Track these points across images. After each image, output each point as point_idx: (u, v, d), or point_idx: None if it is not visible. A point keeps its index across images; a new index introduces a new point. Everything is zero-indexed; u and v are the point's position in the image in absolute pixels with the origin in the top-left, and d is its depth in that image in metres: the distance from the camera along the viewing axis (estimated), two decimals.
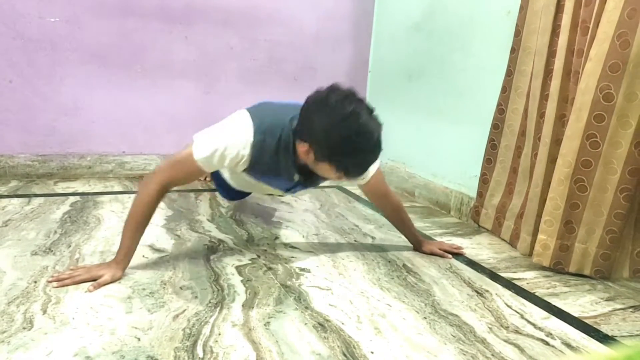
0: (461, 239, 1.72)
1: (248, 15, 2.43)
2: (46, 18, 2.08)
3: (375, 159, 1.10)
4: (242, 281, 1.23)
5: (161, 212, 1.77)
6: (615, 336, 1.07)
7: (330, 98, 1.03)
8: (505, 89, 1.67)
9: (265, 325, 1.02)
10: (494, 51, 1.83)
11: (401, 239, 1.58)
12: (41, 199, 1.84)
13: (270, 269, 1.32)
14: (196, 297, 1.12)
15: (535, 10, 1.54)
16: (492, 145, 1.75)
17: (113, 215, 1.69)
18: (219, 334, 0.96)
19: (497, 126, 1.72)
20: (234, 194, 1.66)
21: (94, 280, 1.13)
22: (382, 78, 2.68)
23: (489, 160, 1.77)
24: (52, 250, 1.33)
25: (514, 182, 1.69)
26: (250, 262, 1.36)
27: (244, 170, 1.25)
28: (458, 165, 2.05)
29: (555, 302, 1.23)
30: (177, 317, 1.02)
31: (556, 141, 1.48)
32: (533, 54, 1.56)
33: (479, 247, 1.64)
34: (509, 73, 1.66)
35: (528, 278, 1.39)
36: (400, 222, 1.52)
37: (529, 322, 1.11)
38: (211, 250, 1.43)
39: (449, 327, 1.06)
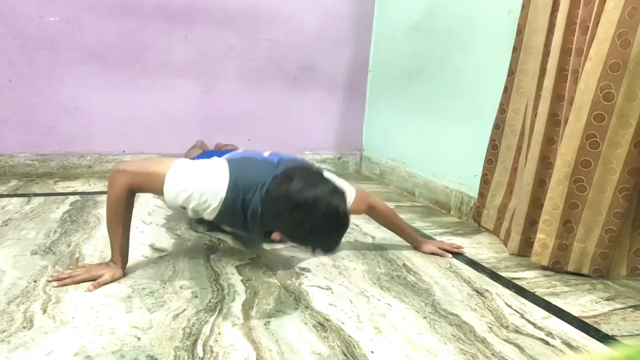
0: (461, 239, 1.72)
1: (248, 15, 2.43)
2: (46, 17, 2.08)
3: (344, 232, 1.08)
4: (242, 280, 1.23)
5: (161, 212, 1.77)
6: (615, 336, 1.07)
7: (290, 192, 1.01)
8: (507, 89, 1.67)
9: (265, 324, 1.02)
10: (494, 51, 1.83)
11: (401, 239, 1.58)
12: (41, 199, 1.84)
13: (270, 268, 1.32)
14: (196, 296, 1.12)
15: (537, 9, 1.54)
16: (493, 146, 1.75)
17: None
18: (219, 334, 0.96)
19: (498, 126, 1.72)
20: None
21: (94, 279, 1.13)
22: (382, 78, 2.68)
23: (490, 160, 1.77)
24: (52, 250, 1.33)
25: (515, 182, 1.69)
26: (250, 261, 1.36)
27: (212, 219, 1.20)
28: (458, 164, 2.05)
29: (555, 301, 1.23)
30: (177, 316, 1.02)
31: (548, 140, 1.48)
32: (535, 54, 1.56)
33: (479, 247, 1.64)
34: (511, 73, 1.66)
35: (528, 278, 1.39)
36: (394, 227, 1.53)
37: (529, 321, 1.11)
38: (211, 250, 1.42)
39: (449, 326, 1.06)
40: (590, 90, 1.30)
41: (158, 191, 1.12)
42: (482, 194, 1.81)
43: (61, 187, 2.06)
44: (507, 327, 1.08)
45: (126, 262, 1.20)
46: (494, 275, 1.38)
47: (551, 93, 1.45)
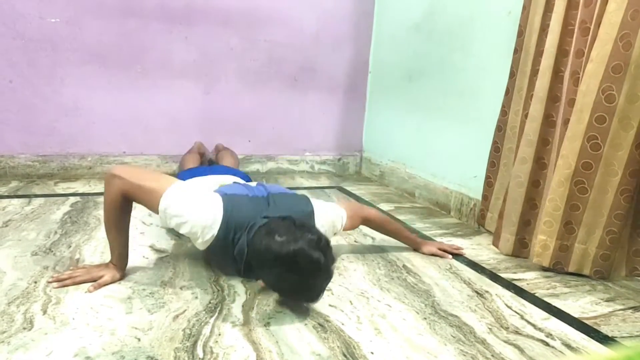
0: (461, 240, 1.72)
1: (248, 16, 2.43)
2: (46, 18, 2.09)
3: (327, 285, 1.08)
4: (242, 281, 1.23)
5: None
6: (615, 337, 1.07)
7: (272, 247, 1.01)
8: (508, 91, 1.67)
9: (265, 325, 1.02)
10: (494, 51, 1.83)
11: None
12: (41, 200, 1.84)
13: None
14: (196, 297, 1.12)
15: (536, 11, 1.54)
16: (496, 148, 1.73)
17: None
18: (219, 335, 0.96)
19: (500, 128, 1.71)
20: None
21: (94, 280, 1.13)
22: (382, 78, 2.68)
23: (493, 163, 1.75)
24: (52, 251, 1.33)
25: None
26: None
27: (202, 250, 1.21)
28: (458, 165, 2.05)
29: (555, 302, 1.23)
30: (177, 317, 1.02)
31: (543, 141, 1.49)
32: (545, 55, 1.54)
33: (479, 248, 1.64)
34: (512, 74, 1.65)
35: (528, 279, 1.39)
36: (392, 233, 1.54)
37: (529, 322, 1.11)
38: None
39: (449, 327, 1.06)
40: (591, 92, 1.30)
41: (151, 208, 1.12)
42: (486, 197, 1.80)
43: (62, 188, 2.07)
44: (507, 328, 1.08)
45: (126, 264, 1.20)
46: (494, 277, 1.39)
47: (546, 94, 1.46)
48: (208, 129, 2.48)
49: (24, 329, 0.93)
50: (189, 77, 2.39)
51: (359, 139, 2.89)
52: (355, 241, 1.62)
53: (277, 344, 0.95)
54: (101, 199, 1.90)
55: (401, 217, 1.94)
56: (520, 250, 1.57)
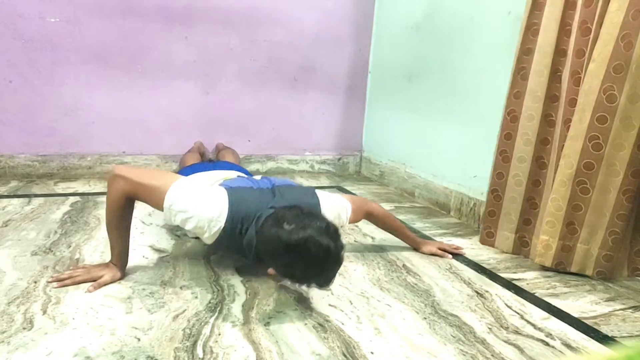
0: (461, 239, 1.72)
1: (248, 16, 2.43)
2: (46, 18, 2.09)
3: (338, 269, 1.08)
4: (242, 281, 1.23)
5: (161, 213, 1.76)
6: (615, 336, 1.07)
7: (281, 235, 1.01)
8: (519, 94, 1.64)
9: (265, 325, 1.02)
10: (494, 52, 1.83)
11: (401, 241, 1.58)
12: (41, 199, 1.84)
13: None
14: (196, 297, 1.12)
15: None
16: (505, 158, 1.69)
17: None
18: (219, 334, 0.96)
19: (509, 136, 1.68)
20: None
21: (94, 280, 1.13)
22: (382, 78, 2.68)
23: (501, 174, 1.67)
24: (52, 251, 1.33)
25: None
26: (250, 262, 1.36)
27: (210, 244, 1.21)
28: (458, 165, 2.05)
29: (555, 302, 1.23)
30: (177, 317, 1.02)
31: (542, 141, 1.49)
32: (541, 54, 1.53)
33: (478, 248, 1.64)
34: (524, 76, 1.63)
35: (528, 278, 1.39)
36: (393, 230, 1.54)
37: (528, 322, 1.11)
38: (211, 251, 1.42)
39: (449, 327, 1.06)
40: (593, 92, 1.30)
41: (156, 206, 1.12)
42: (493, 212, 1.77)
43: (61, 187, 2.07)
44: (507, 328, 1.08)
45: (126, 264, 1.20)
46: (494, 276, 1.39)
47: (544, 94, 1.46)
48: (208, 128, 2.48)
49: (24, 328, 0.93)
50: (189, 77, 2.39)
51: (359, 138, 2.89)
52: (355, 241, 1.62)
53: (277, 344, 0.95)
54: (101, 198, 1.90)
55: (401, 217, 1.94)
56: (520, 248, 1.57)
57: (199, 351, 0.90)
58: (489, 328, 1.07)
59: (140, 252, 1.37)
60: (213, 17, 2.36)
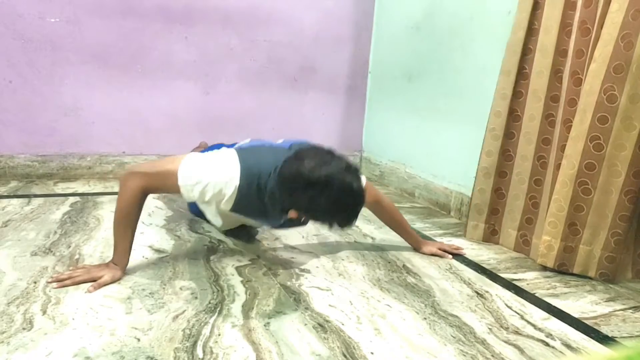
0: (461, 240, 1.72)
1: (248, 16, 2.43)
2: (46, 18, 2.08)
3: (361, 208, 1.09)
4: (242, 282, 1.22)
5: (161, 213, 1.77)
6: (615, 337, 1.07)
7: (302, 170, 1.02)
8: (521, 94, 1.65)
9: (265, 325, 1.01)
10: (494, 51, 1.82)
11: (401, 240, 1.58)
12: (41, 200, 1.84)
13: (270, 269, 1.32)
14: (196, 297, 1.12)
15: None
16: (507, 157, 1.71)
17: (113, 216, 1.68)
18: (219, 335, 0.96)
19: (512, 135, 1.70)
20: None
21: (94, 280, 1.13)
22: (382, 78, 2.68)
23: (504, 173, 1.70)
24: (52, 251, 1.33)
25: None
26: (250, 262, 1.36)
27: (230, 210, 1.22)
28: (458, 165, 2.04)
29: (555, 302, 1.23)
30: (177, 317, 1.02)
31: (543, 140, 1.50)
32: (543, 55, 1.53)
33: (478, 248, 1.64)
34: (525, 76, 1.64)
35: (528, 279, 1.39)
36: (397, 224, 1.53)
37: (529, 322, 1.11)
38: (211, 251, 1.42)
39: (449, 327, 1.06)
40: (594, 92, 1.30)
41: (173, 188, 1.13)
42: (496, 210, 1.78)
43: (61, 188, 2.07)
44: (507, 329, 1.07)
45: (127, 263, 1.20)
46: (494, 277, 1.38)
47: (545, 94, 1.46)
48: (208, 129, 2.48)
49: (24, 329, 0.93)
50: (189, 77, 2.39)
51: (359, 138, 2.89)
52: (355, 241, 1.62)
53: (276, 344, 0.95)
54: (101, 198, 1.90)
55: None
56: (521, 247, 1.58)
57: (199, 351, 0.90)
58: (489, 328, 1.07)
59: (140, 253, 1.37)
60: (213, 17, 2.36)
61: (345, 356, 0.92)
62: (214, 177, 1.12)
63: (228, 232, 1.57)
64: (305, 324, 1.03)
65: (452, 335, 1.03)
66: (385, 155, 2.65)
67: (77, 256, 1.31)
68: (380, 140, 2.72)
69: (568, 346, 1.02)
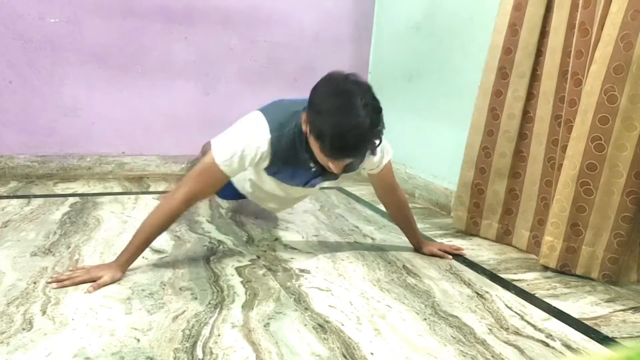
0: (461, 240, 1.72)
1: (248, 16, 2.43)
2: (46, 19, 2.08)
3: (356, 146, 1.07)
4: (241, 282, 1.22)
5: None
6: (615, 337, 1.07)
7: (338, 76, 1.08)
8: (533, 95, 1.64)
9: (265, 326, 1.01)
10: None
11: (401, 240, 1.58)
12: (41, 200, 1.84)
13: (270, 270, 1.32)
14: (196, 298, 1.12)
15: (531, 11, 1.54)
16: (521, 158, 1.70)
17: (112, 216, 1.69)
18: (219, 335, 0.96)
19: (525, 136, 1.70)
20: (233, 194, 1.64)
21: (94, 281, 1.13)
22: (382, 78, 2.68)
23: (518, 174, 1.71)
24: (51, 251, 1.33)
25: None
26: (250, 263, 1.36)
27: (266, 169, 1.28)
28: (458, 165, 2.04)
29: (555, 303, 1.23)
30: (177, 318, 1.02)
31: (553, 141, 1.50)
32: (546, 54, 1.53)
33: (479, 248, 1.64)
34: (536, 77, 1.64)
35: (528, 279, 1.39)
36: (405, 219, 1.51)
37: (529, 323, 1.11)
38: (211, 251, 1.42)
39: (449, 328, 1.06)
40: (595, 93, 1.30)
41: (217, 177, 1.17)
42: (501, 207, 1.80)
43: (61, 188, 2.06)
44: (507, 329, 1.07)
45: (128, 268, 1.20)
46: (494, 277, 1.38)
47: (553, 96, 1.47)
48: (208, 129, 2.46)
49: (24, 329, 0.93)
50: (189, 77, 2.39)
51: None
52: (355, 242, 1.62)
53: (276, 345, 0.95)
54: (100, 199, 1.90)
55: None
56: (533, 247, 1.58)
57: (199, 352, 0.90)
58: (489, 329, 1.07)
59: None
60: (213, 18, 2.36)
61: (345, 357, 0.92)
62: (246, 142, 1.17)
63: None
64: (305, 325, 1.03)
65: (452, 336, 1.03)
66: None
67: (76, 257, 1.31)
68: None
69: (568, 347, 1.02)
